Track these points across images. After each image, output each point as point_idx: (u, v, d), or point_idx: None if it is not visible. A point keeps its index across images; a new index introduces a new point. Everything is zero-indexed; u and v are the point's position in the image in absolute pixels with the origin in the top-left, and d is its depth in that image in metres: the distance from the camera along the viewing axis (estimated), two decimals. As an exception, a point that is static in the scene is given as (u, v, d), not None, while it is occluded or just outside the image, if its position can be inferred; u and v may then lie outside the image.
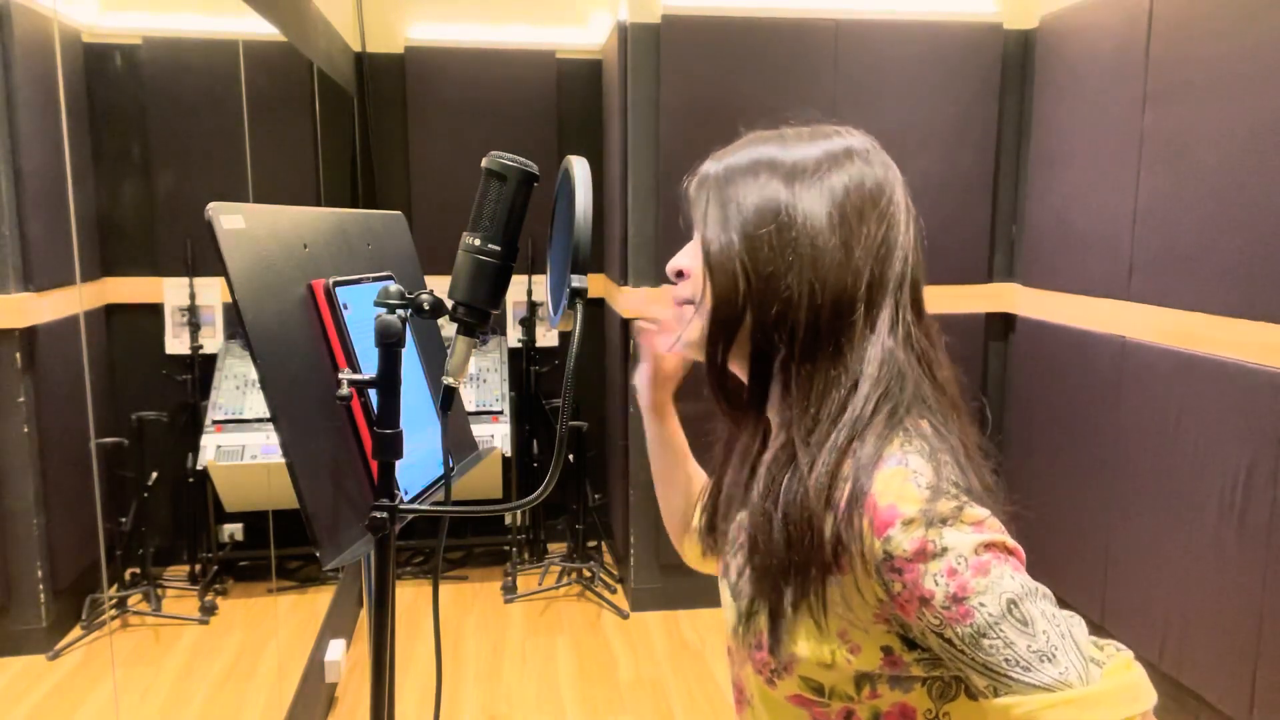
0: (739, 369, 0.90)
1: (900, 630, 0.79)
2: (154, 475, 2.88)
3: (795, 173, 0.85)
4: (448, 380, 1.01)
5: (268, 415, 0.95)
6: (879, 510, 0.76)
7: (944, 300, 3.49)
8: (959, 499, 0.76)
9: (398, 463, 0.98)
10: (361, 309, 1.07)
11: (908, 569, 0.75)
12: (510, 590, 3.72)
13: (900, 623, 0.78)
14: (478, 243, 0.97)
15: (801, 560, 0.80)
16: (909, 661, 0.80)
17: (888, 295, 0.85)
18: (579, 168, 0.95)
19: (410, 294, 0.99)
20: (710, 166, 0.90)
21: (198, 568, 3.05)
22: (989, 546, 0.75)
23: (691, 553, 1.17)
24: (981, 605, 0.73)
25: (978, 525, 0.75)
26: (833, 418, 0.82)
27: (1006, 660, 0.72)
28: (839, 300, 0.83)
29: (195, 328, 2.84)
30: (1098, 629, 3.09)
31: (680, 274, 0.92)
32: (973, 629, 0.73)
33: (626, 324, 3.43)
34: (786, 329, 0.84)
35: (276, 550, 3.19)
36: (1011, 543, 0.77)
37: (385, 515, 0.97)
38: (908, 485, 0.76)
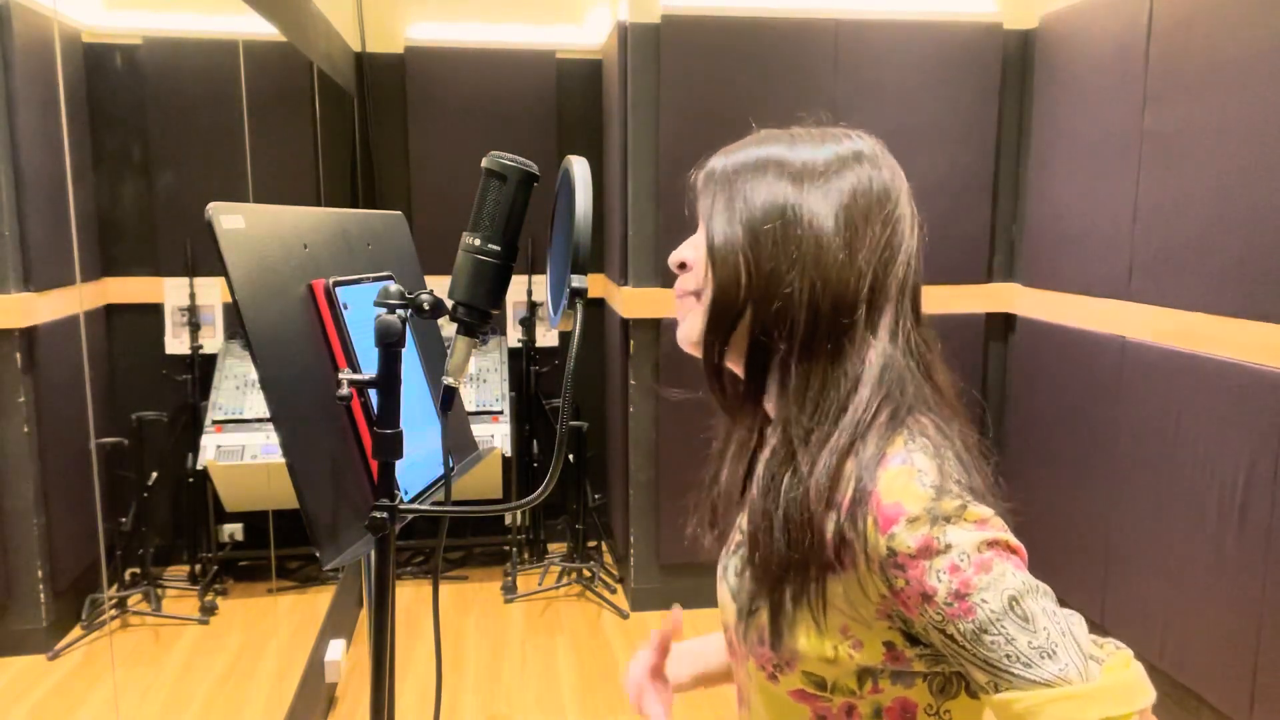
0: (735, 364, 0.90)
1: (902, 626, 0.80)
2: (154, 475, 2.88)
3: (803, 173, 0.85)
4: (448, 380, 1.01)
5: (268, 415, 0.95)
6: (884, 508, 0.77)
7: (944, 300, 3.49)
8: (962, 497, 0.77)
9: (398, 463, 0.98)
10: (361, 309, 1.07)
11: (911, 565, 0.76)
12: (510, 590, 3.72)
13: (902, 619, 0.79)
14: (478, 243, 0.97)
15: (802, 559, 0.81)
16: (911, 657, 0.81)
17: (889, 299, 0.85)
18: (579, 168, 0.95)
19: (410, 294, 0.98)
20: (719, 160, 0.90)
21: (198, 568, 3.05)
22: (991, 544, 0.76)
23: None
24: (984, 602, 0.74)
25: (981, 523, 0.77)
26: (833, 418, 0.83)
27: (1008, 656, 0.74)
28: (840, 300, 0.83)
29: (195, 328, 2.84)
30: (1097, 629, 3.08)
31: (683, 265, 0.92)
32: (974, 625, 0.74)
33: (626, 324, 3.43)
34: (786, 326, 0.84)
35: (276, 550, 3.19)
36: (1014, 541, 0.78)
37: (385, 515, 0.96)
38: (912, 484, 0.77)
